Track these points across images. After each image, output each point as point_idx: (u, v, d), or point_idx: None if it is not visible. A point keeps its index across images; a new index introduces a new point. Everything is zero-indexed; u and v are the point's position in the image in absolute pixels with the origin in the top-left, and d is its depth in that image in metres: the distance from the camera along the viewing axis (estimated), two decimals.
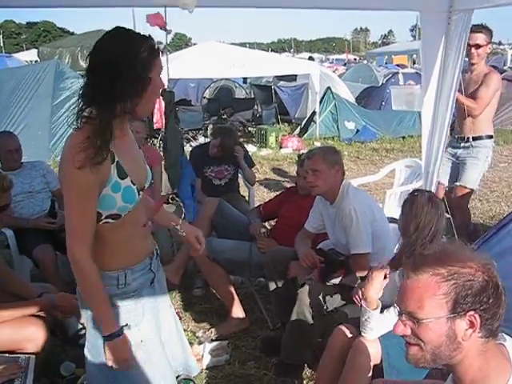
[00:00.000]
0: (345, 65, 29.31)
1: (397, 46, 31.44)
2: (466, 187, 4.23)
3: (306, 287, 2.93)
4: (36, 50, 19.31)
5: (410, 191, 2.58)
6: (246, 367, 3.10)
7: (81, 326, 3.09)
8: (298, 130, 11.27)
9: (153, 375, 1.86)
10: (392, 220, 3.25)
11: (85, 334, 1.92)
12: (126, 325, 1.77)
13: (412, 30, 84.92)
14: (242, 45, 27.72)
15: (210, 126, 10.62)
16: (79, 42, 16.61)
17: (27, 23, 72.68)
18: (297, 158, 3.95)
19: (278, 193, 4.63)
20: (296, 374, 2.96)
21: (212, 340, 3.32)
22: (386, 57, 27.73)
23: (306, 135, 10.74)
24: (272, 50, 41.39)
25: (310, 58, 21.83)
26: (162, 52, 1.68)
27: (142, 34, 1.64)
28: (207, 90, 13.70)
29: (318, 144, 9.89)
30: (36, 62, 17.58)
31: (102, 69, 1.58)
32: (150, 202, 2.08)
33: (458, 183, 4.27)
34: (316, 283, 2.96)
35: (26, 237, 3.62)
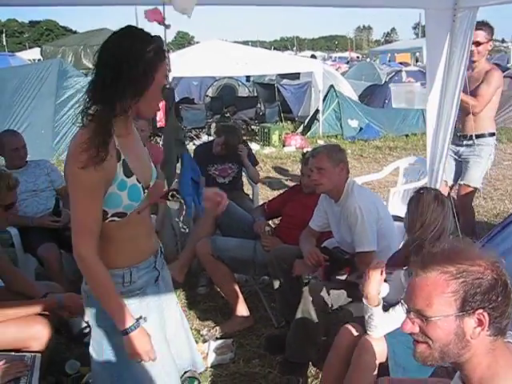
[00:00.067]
0: (347, 63, 29.29)
1: (399, 43, 31.36)
2: (469, 186, 4.22)
3: (311, 285, 2.92)
4: (39, 49, 19.33)
5: (416, 189, 2.57)
6: (251, 365, 3.10)
7: (85, 325, 3.10)
8: (301, 128, 11.27)
9: (157, 373, 1.86)
10: (396, 218, 3.25)
11: (89, 332, 1.91)
12: (140, 317, 1.76)
13: (415, 28, 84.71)
14: (245, 43, 27.65)
15: (213, 125, 10.62)
16: (82, 41, 16.60)
17: (30, 22, 72.87)
18: (301, 157, 3.94)
19: (281, 191, 4.63)
20: (301, 372, 2.96)
21: (216, 338, 3.32)
22: (389, 55, 27.64)
23: (309, 133, 10.73)
24: (274, 48, 41.29)
25: (313, 56, 21.76)
26: (168, 51, 1.67)
27: (151, 34, 1.64)
28: (210, 89, 13.68)
29: (321, 142, 9.88)
30: (39, 60, 17.61)
31: (107, 66, 1.59)
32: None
33: (461, 182, 4.26)
34: (321, 281, 2.96)
35: (30, 235, 3.63)
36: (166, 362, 1.91)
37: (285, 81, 13.89)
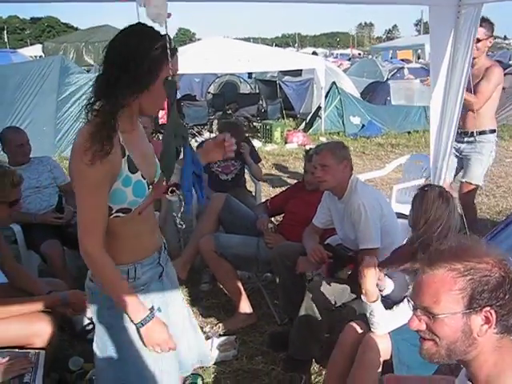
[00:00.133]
0: (349, 60, 29.20)
1: (401, 40, 31.34)
2: (471, 183, 4.21)
3: (314, 282, 2.92)
4: (40, 45, 19.34)
5: (421, 186, 2.57)
6: (254, 362, 3.10)
7: (88, 321, 3.10)
8: (303, 125, 11.24)
9: (160, 369, 1.86)
10: (399, 215, 3.24)
11: (92, 329, 1.91)
12: (152, 307, 1.75)
13: (416, 25, 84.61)
14: (246, 40, 27.67)
15: (215, 122, 10.61)
16: (84, 38, 16.63)
17: (31, 19, 72.95)
18: (303, 153, 3.94)
19: (283, 188, 4.62)
20: (304, 369, 2.96)
21: (219, 335, 3.32)
22: (391, 51, 27.55)
23: (311, 130, 10.72)
24: (276, 45, 41.30)
25: (314, 53, 21.76)
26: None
27: (160, 32, 1.63)
28: (212, 85, 13.68)
29: (323, 139, 9.87)
30: (40, 57, 17.60)
31: (112, 62, 1.59)
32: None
33: (463, 179, 4.25)
34: (324, 278, 2.96)
35: (33, 232, 3.63)
36: (168, 358, 1.90)
37: (287, 78, 13.88)
